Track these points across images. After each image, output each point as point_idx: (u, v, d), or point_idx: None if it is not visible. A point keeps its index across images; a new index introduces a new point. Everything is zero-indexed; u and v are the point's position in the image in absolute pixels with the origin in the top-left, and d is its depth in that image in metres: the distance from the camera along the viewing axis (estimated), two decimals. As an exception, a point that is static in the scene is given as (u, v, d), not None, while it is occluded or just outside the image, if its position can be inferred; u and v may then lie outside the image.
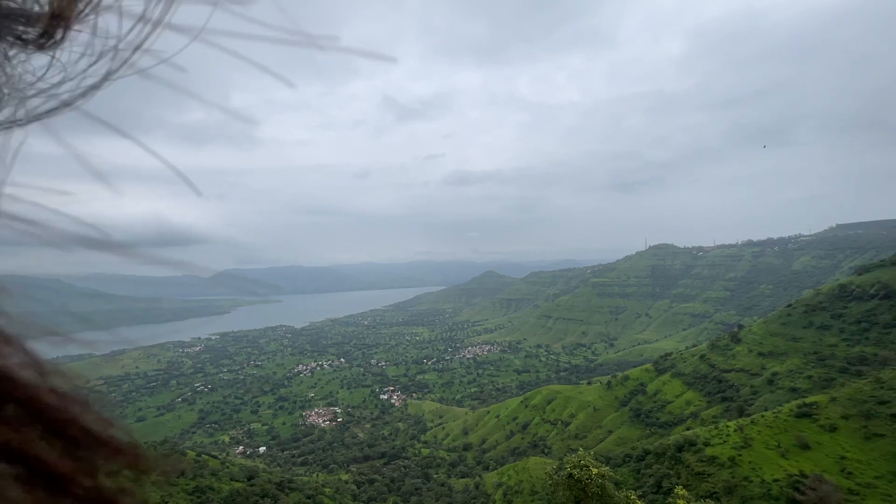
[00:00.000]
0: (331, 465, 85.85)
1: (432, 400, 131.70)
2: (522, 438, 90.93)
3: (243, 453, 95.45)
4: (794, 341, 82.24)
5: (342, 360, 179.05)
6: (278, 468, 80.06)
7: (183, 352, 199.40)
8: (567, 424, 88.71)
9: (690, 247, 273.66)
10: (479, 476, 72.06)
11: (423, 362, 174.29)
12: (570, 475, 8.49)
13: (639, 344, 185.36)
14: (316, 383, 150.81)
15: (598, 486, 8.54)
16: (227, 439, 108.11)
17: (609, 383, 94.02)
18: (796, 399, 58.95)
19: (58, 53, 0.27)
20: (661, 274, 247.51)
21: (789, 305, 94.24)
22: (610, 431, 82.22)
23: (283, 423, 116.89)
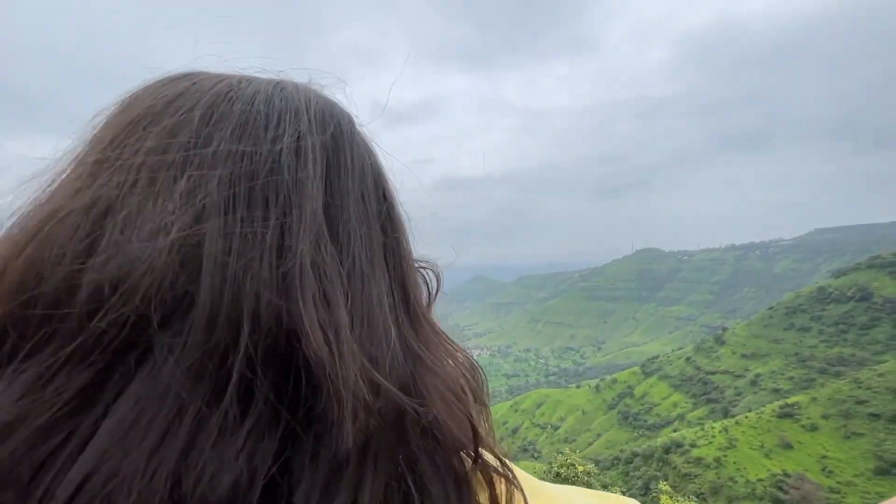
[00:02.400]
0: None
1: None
2: (512, 443, 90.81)
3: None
4: (776, 343, 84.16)
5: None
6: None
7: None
8: (556, 428, 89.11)
9: (676, 251, 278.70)
10: (469, 481, 71.71)
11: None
12: (557, 474, 8.74)
13: (626, 347, 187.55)
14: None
15: (584, 484, 8.79)
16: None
17: (598, 386, 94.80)
18: (778, 400, 60.24)
19: None
20: (648, 277, 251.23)
21: (771, 308, 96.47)
22: (599, 434, 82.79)
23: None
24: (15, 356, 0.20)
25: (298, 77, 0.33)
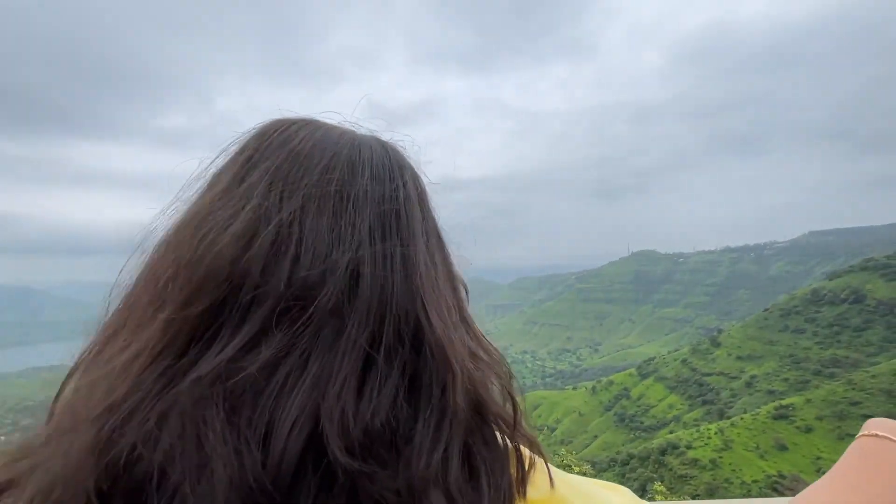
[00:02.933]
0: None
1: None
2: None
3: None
4: (771, 345, 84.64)
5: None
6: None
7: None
8: (553, 430, 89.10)
9: (671, 253, 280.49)
10: (466, 484, 71.44)
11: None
12: (553, 476, 8.80)
13: (623, 349, 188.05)
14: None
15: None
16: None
17: (594, 388, 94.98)
18: (773, 401, 60.56)
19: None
20: (644, 279, 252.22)
21: (766, 310, 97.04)
22: (595, 436, 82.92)
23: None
24: (227, 328, 0.31)
25: (384, 135, 0.46)
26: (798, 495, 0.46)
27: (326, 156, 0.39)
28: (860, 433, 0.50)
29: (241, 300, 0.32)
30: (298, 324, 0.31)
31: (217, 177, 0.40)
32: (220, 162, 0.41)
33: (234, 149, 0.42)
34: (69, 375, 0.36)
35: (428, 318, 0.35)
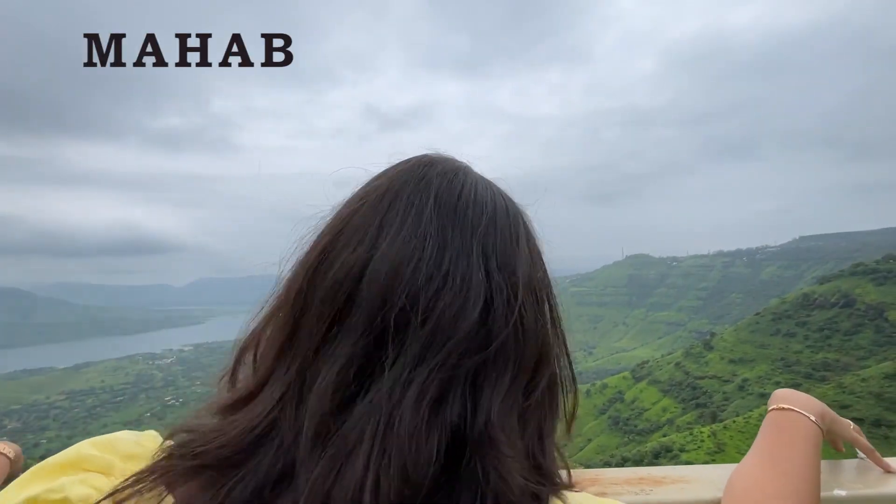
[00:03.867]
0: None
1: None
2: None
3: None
4: (763, 348, 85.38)
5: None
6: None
7: (153, 364, 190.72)
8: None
9: (665, 257, 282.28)
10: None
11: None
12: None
13: (617, 352, 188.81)
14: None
15: (575, 490, 8.84)
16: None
17: (588, 391, 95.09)
18: (765, 404, 60.87)
19: None
20: (638, 283, 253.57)
21: (757, 314, 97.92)
22: (589, 440, 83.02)
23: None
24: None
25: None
26: (736, 468, 0.54)
27: (513, 227, 0.44)
28: (770, 406, 0.57)
29: (480, 350, 0.36)
30: (515, 374, 0.37)
31: (401, 206, 0.40)
32: (397, 182, 0.42)
33: (404, 175, 0.43)
34: (251, 350, 0.43)
35: (566, 353, 0.44)
